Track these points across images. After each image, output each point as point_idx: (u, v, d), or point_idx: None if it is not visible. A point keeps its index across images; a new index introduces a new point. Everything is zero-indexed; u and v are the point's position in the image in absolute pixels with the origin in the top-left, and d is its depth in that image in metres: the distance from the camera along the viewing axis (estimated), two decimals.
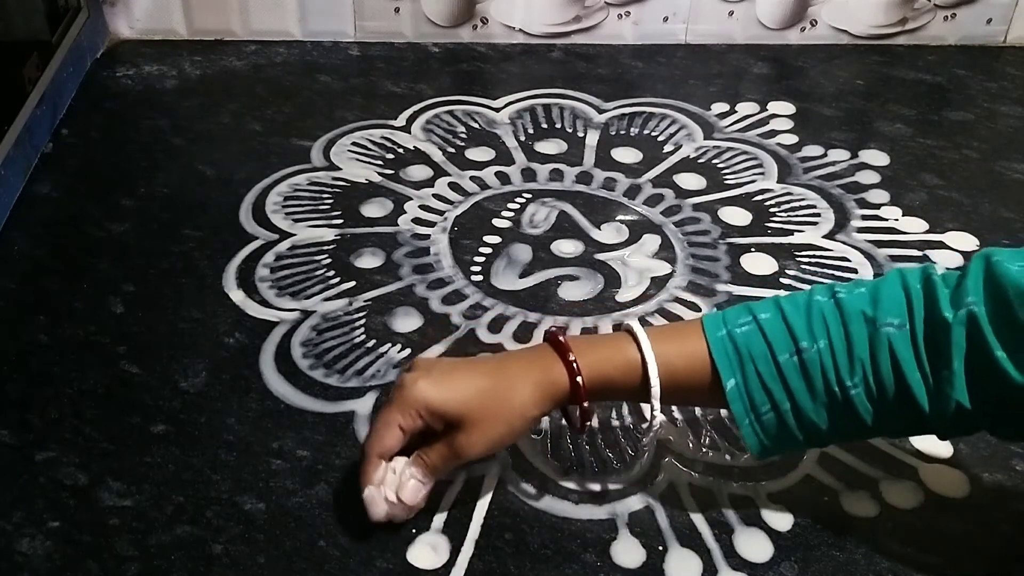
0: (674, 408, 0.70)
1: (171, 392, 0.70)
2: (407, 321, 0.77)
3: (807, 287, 0.81)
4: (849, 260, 0.86)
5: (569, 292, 0.81)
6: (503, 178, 0.95)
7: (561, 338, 0.58)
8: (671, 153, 1.00)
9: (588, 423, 0.59)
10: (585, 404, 0.58)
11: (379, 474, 0.58)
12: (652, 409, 0.58)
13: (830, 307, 0.55)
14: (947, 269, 0.56)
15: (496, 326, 0.77)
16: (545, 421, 0.68)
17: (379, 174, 0.95)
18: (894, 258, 0.86)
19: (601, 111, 1.07)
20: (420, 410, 0.57)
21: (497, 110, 1.06)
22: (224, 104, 1.05)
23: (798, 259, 0.86)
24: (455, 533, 0.60)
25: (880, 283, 0.56)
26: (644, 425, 0.59)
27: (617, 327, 0.61)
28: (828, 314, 0.55)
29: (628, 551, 0.60)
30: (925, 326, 0.53)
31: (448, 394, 0.57)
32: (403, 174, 0.95)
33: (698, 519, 0.62)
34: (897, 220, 0.91)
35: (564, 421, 0.62)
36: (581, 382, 0.57)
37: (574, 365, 0.57)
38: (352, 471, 0.64)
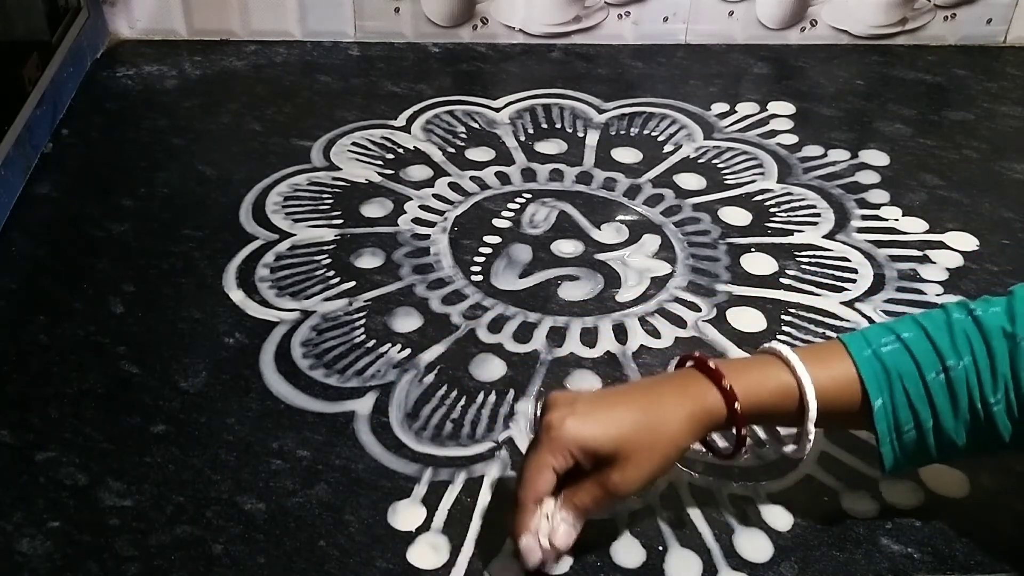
0: None
1: (171, 392, 0.70)
2: (407, 321, 0.77)
3: (807, 287, 0.82)
4: (849, 260, 0.86)
5: (569, 292, 0.81)
6: (503, 178, 0.95)
7: (711, 364, 0.57)
8: (671, 153, 1.00)
9: (744, 449, 0.58)
10: (743, 432, 0.57)
11: (535, 521, 0.55)
12: (807, 435, 0.57)
13: (970, 324, 0.56)
14: None
15: (496, 326, 0.77)
16: None
17: (379, 174, 0.95)
18: (894, 258, 0.86)
19: (601, 111, 1.07)
20: (572, 450, 0.55)
21: (497, 110, 1.06)
22: (224, 104, 1.05)
23: (798, 259, 0.86)
24: (455, 533, 0.60)
25: (1012, 299, 0.56)
26: (789, 448, 0.58)
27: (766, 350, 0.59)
28: (970, 331, 0.55)
29: (628, 551, 0.60)
30: None
31: (601, 430, 0.55)
32: (403, 174, 0.95)
33: (698, 519, 0.62)
34: (897, 220, 0.91)
35: (705, 450, 0.61)
36: (739, 408, 0.55)
37: (730, 391, 0.56)
38: (352, 471, 0.64)
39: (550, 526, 0.56)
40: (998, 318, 0.55)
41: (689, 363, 0.59)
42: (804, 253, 0.86)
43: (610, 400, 0.57)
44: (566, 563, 0.59)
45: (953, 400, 0.55)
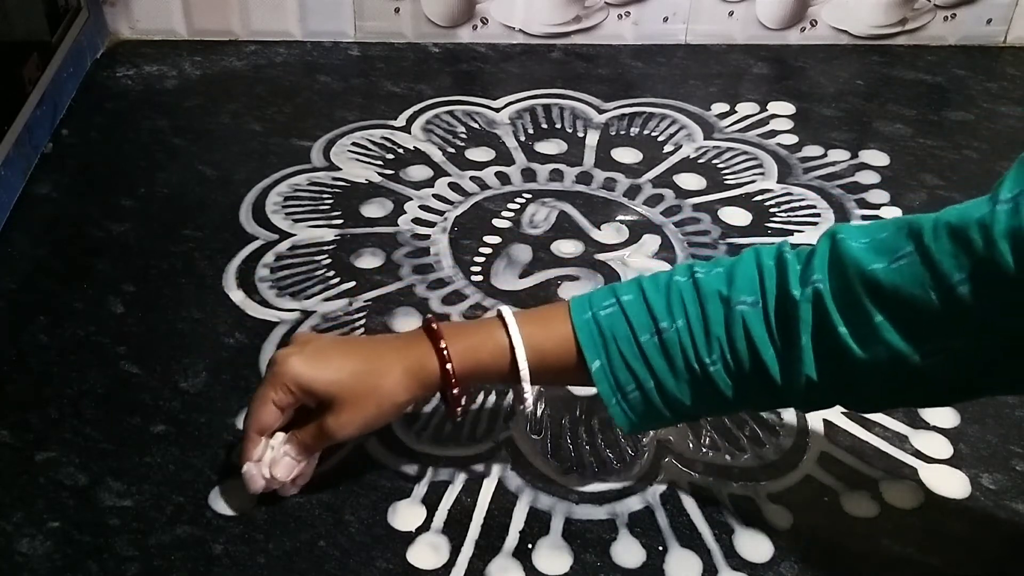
0: None
1: (171, 392, 0.70)
2: (407, 321, 0.77)
3: None
4: None
5: (569, 292, 0.81)
6: (503, 178, 0.95)
7: (435, 325, 0.59)
8: (671, 153, 1.00)
9: (460, 408, 0.60)
10: (455, 391, 0.58)
11: (258, 450, 0.59)
12: (524, 392, 0.58)
13: (688, 287, 0.56)
14: (802, 246, 0.56)
15: None
16: (546, 422, 0.68)
17: (379, 174, 0.95)
18: None
19: (601, 111, 1.07)
20: (291, 386, 0.58)
21: (497, 110, 1.06)
22: (224, 104, 1.05)
23: None
24: (455, 533, 0.60)
25: (736, 262, 0.57)
26: (521, 406, 0.60)
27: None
28: (686, 294, 0.56)
29: (628, 551, 0.60)
30: (776, 303, 0.54)
31: (318, 373, 0.58)
32: (403, 174, 0.95)
33: (698, 519, 0.62)
34: None
35: (444, 405, 0.62)
36: (451, 369, 0.58)
37: (444, 352, 0.58)
38: (351, 471, 0.64)
39: (273, 457, 0.59)
40: (717, 280, 0.56)
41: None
42: None
43: (338, 347, 0.60)
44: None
45: (669, 360, 0.56)
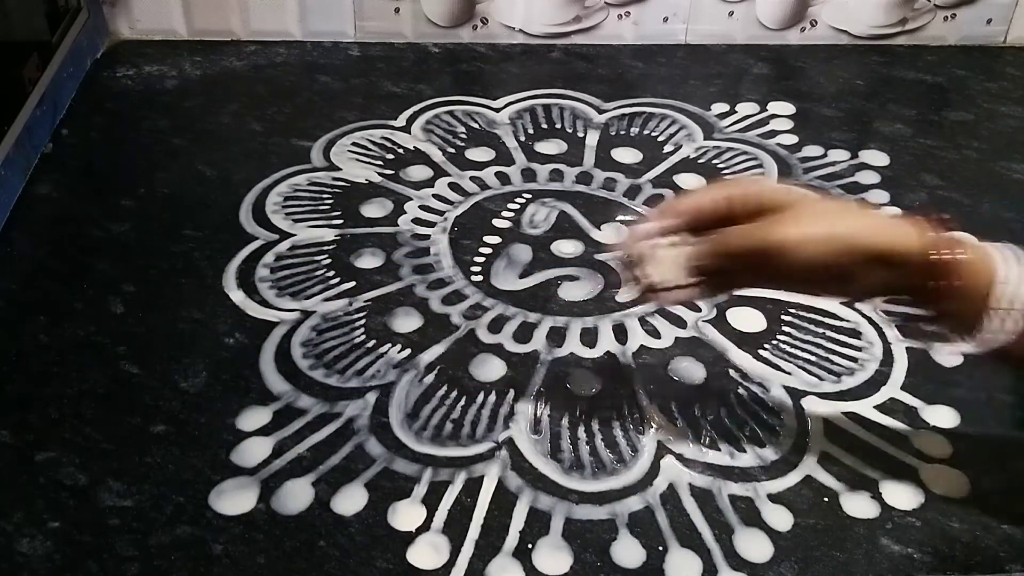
0: (674, 407, 0.70)
1: (171, 392, 0.70)
2: (407, 321, 0.77)
3: None
4: None
5: (569, 292, 0.81)
6: (503, 178, 0.95)
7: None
8: (671, 153, 1.00)
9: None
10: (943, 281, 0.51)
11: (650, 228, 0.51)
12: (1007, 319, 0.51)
13: None
14: None
15: (496, 326, 0.77)
16: (546, 422, 0.68)
17: (379, 174, 0.95)
18: None
19: (601, 111, 1.07)
20: (747, 190, 0.50)
21: (497, 110, 1.06)
22: (224, 104, 1.05)
23: None
24: (455, 533, 0.60)
25: None
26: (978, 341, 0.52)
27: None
28: None
29: (628, 551, 0.60)
30: None
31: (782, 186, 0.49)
32: (403, 174, 0.95)
33: (698, 519, 0.62)
34: None
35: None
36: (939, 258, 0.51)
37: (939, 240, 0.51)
38: (352, 471, 0.64)
39: (667, 258, 0.50)
40: None
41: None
42: None
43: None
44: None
45: None
